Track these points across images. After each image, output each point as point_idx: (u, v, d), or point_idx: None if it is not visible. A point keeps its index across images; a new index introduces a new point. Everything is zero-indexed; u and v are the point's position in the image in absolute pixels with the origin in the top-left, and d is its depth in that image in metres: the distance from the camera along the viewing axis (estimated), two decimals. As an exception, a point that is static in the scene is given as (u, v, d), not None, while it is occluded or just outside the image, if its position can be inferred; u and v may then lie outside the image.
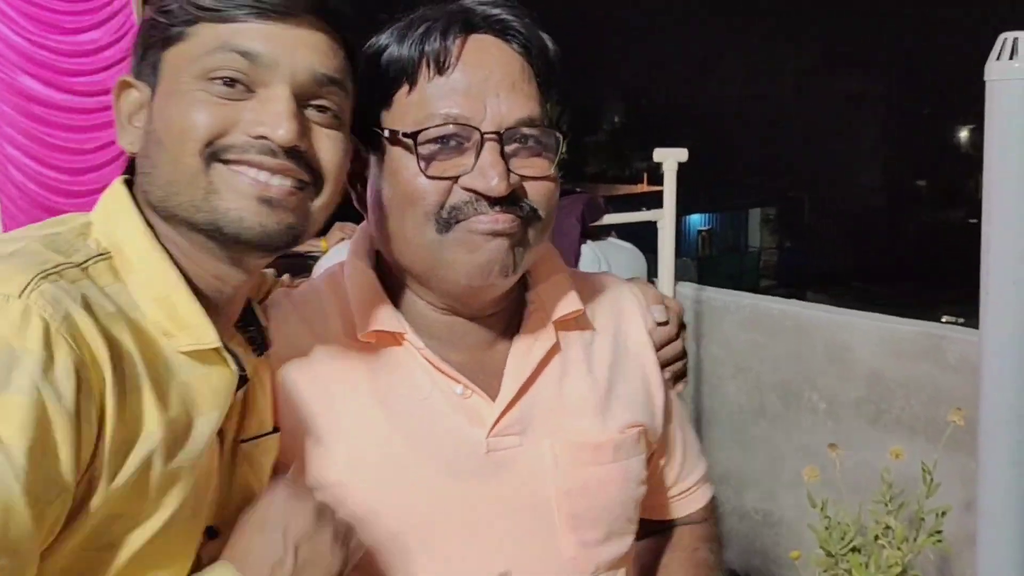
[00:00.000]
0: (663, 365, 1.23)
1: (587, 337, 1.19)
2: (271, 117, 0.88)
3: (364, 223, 1.16)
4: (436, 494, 1.06)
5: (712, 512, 1.38)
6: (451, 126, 1.00)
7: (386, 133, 1.03)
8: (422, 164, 1.00)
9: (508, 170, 1.00)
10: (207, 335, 0.90)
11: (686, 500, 1.34)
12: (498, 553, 1.07)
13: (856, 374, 3.18)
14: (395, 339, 1.10)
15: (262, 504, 0.92)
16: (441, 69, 1.01)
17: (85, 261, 0.87)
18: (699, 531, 1.35)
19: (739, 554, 3.66)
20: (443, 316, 1.11)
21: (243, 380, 0.96)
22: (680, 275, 3.78)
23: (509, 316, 1.15)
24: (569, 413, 1.13)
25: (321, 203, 0.95)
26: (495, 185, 0.98)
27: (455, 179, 1.01)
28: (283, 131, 0.88)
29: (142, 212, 0.94)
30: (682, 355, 1.27)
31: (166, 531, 0.87)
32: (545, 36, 1.06)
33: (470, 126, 1.00)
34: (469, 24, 1.02)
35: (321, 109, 0.93)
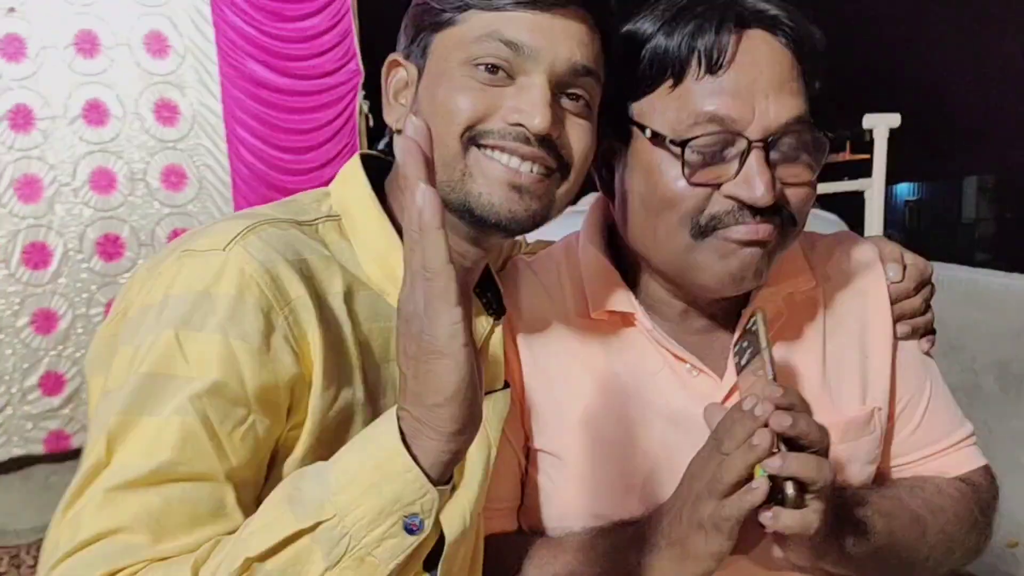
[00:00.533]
0: (897, 319, 1.16)
1: (819, 312, 1.15)
2: (529, 105, 0.92)
3: (596, 200, 1.18)
4: (664, 465, 1.06)
5: (986, 485, 1.22)
6: (718, 134, 0.96)
7: (648, 133, 1.01)
8: (687, 171, 0.97)
9: (773, 178, 0.96)
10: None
11: (940, 462, 1.20)
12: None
13: (1087, 355, 2.94)
14: (626, 319, 1.12)
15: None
16: (712, 68, 0.97)
17: (314, 220, 0.97)
18: (958, 484, 1.18)
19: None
20: (677, 302, 1.12)
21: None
22: (887, 248, 3.61)
23: (740, 295, 1.11)
24: (799, 391, 1.07)
25: (565, 190, 0.99)
26: (761, 196, 0.95)
27: (717, 186, 0.98)
28: (539, 120, 0.91)
29: (377, 184, 1.02)
30: (921, 311, 1.19)
31: None
32: (813, 28, 1.01)
33: (736, 131, 0.96)
34: (741, 20, 0.98)
35: (574, 97, 0.96)
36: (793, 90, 0.98)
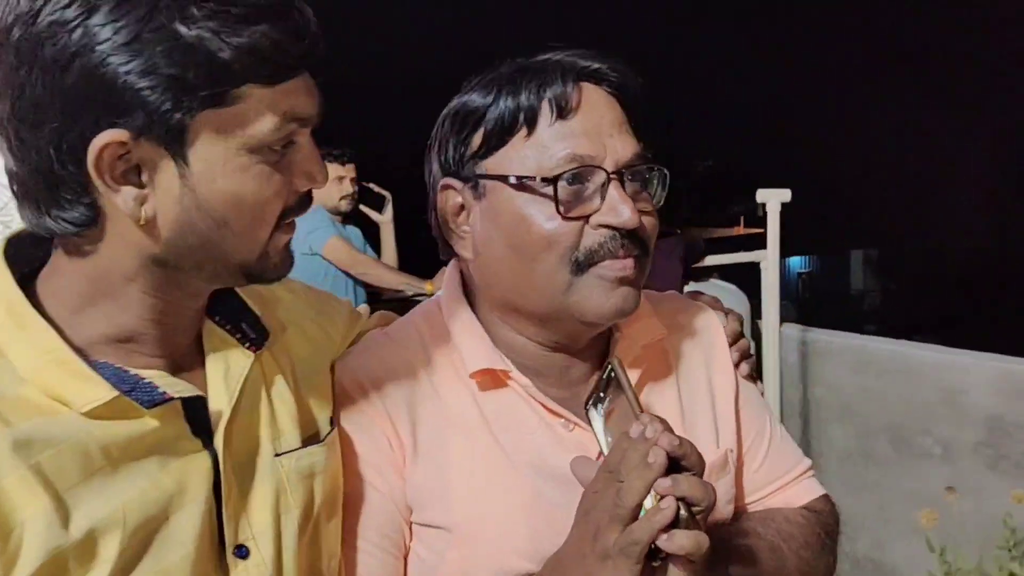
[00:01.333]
0: (738, 362, 1.25)
1: (670, 361, 1.21)
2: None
3: (452, 264, 1.20)
4: (561, 524, 1.04)
5: (828, 511, 1.28)
6: (581, 167, 1.03)
7: (512, 179, 1.05)
8: (561, 208, 1.03)
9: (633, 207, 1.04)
10: (96, 391, 0.82)
11: (787, 493, 1.26)
12: None
13: (973, 417, 3.07)
14: (498, 379, 1.12)
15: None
16: (563, 113, 1.04)
17: None
18: (803, 512, 1.24)
19: (851, 604, 3.55)
20: (545, 352, 1.14)
21: (194, 401, 0.90)
22: (781, 318, 3.74)
23: (599, 346, 1.17)
24: None
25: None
26: (629, 218, 1.02)
27: (587, 219, 1.04)
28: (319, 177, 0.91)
29: (33, 270, 0.90)
30: (750, 353, 1.29)
31: None
32: (635, 80, 1.11)
33: (596, 166, 1.04)
34: (577, 74, 1.07)
35: None
36: (629, 131, 1.07)
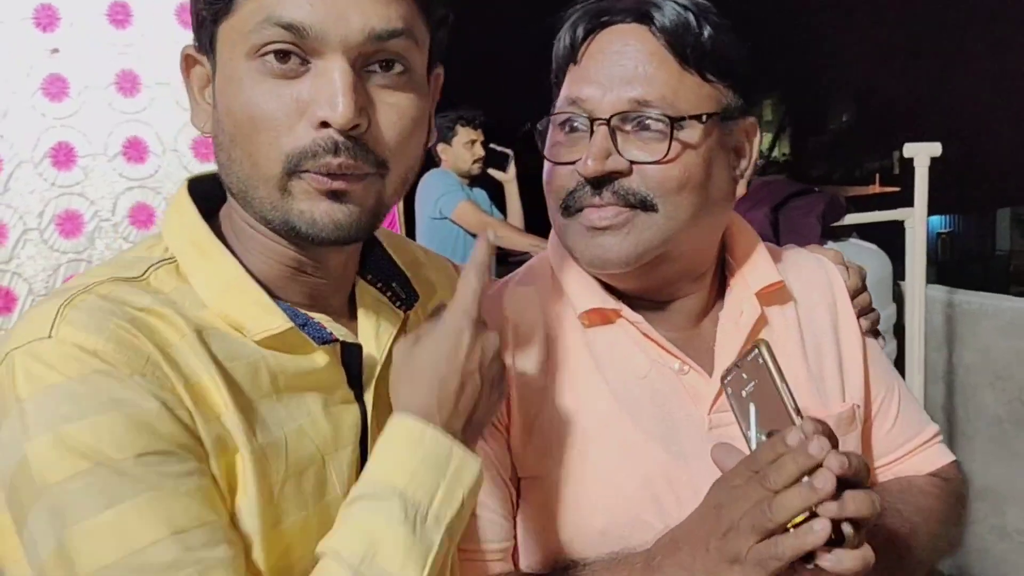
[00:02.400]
0: (859, 314, 1.21)
1: (790, 309, 1.17)
2: (327, 96, 0.82)
3: None
4: (667, 476, 1.05)
5: (956, 478, 1.26)
6: (569, 112, 1.05)
7: (539, 126, 1.11)
8: (547, 152, 1.08)
9: (612, 152, 1.02)
10: (273, 320, 0.89)
11: (913, 461, 1.25)
12: None
13: None
14: (609, 317, 1.12)
15: (400, 359, 0.93)
16: (575, 58, 1.07)
17: (143, 272, 0.88)
18: (931, 480, 1.23)
19: (996, 575, 3.40)
20: (641, 300, 1.12)
21: (352, 348, 0.96)
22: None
23: (710, 293, 1.15)
24: None
25: (392, 180, 0.91)
26: (587, 167, 1.01)
27: (574, 163, 1.04)
28: (341, 110, 0.81)
29: (213, 208, 0.96)
30: (872, 307, 1.25)
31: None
32: (691, 15, 1.05)
33: (584, 112, 1.04)
34: (605, 13, 1.06)
35: (386, 66, 0.86)
36: (649, 76, 1.03)
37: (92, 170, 4.02)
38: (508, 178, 4.22)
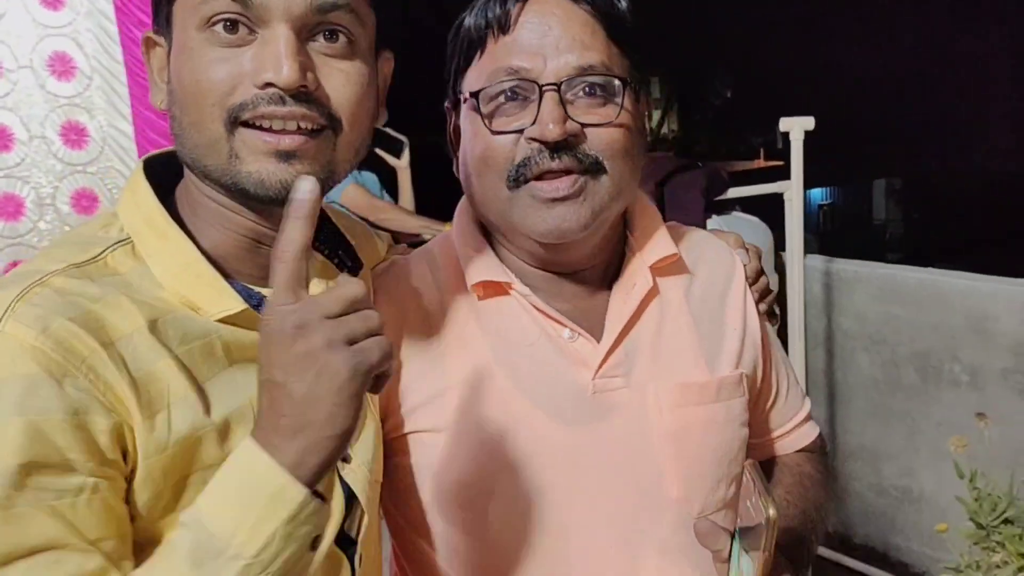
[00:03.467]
0: (759, 300, 1.26)
1: (684, 281, 1.21)
2: (272, 61, 0.84)
3: None
4: (545, 439, 1.09)
5: (819, 448, 1.38)
6: (510, 80, 1.04)
7: (462, 97, 1.09)
8: (486, 121, 1.05)
9: (566, 117, 1.02)
10: (228, 302, 0.89)
11: (790, 439, 1.35)
12: (604, 496, 1.09)
13: (1001, 343, 3.05)
14: (502, 289, 1.14)
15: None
16: (504, 29, 1.05)
17: (99, 254, 0.87)
18: (803, 456, 1.35)
19: (877, 531, 3.57)
20: (539, 272, 1.15)
21: None
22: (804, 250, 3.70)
23: (607, 267, 1.17)
24: (671, 355, 1.15)
25: (345, 143, 0.91)
26: (550, 131, 1.01)
27: (520, 132, 1.04)
28: (286, 72, 0.84)
29: (169, 187, 0.95)
30: (769, 290, 1.30)
31: None
32: None
33: (529, 79, 1.03)
34: None
35: (331, 36, 0.89)
36: (586, 44, 1.04)
37: (-49, 159, 3.82)
38: (402, 165, 4.13)
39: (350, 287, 0.79)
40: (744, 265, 1.26)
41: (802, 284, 3.45)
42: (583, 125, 1.04)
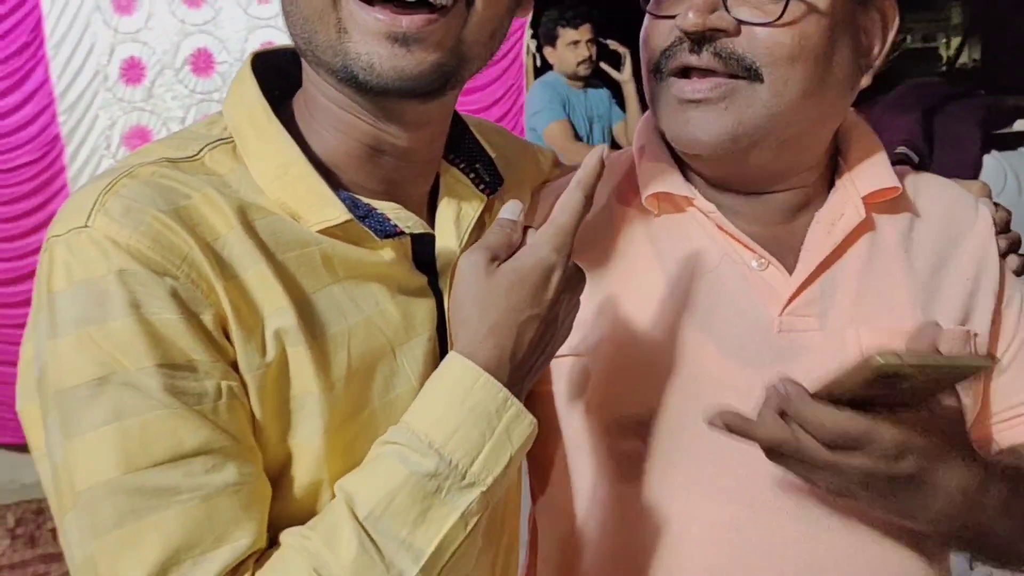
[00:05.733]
0: (1006, 253, 1.04)
1: (906, 221, 1.02)
2: None
3: None
4: (718, 378, 0.95)
5: None
6: None
7: None
8: (648, 3, 0.94)
9: (719, 7, 0.88)
10: (331, 211, 0.81)
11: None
12: None
13: None
14: (679, 205, 1.01)
15: (471, 283, 0.81)
16: None
17: (198, 152, 0.81)
18: None
19: None
20: (721, 194, 1.00)
21: (425, 237, 0.89)
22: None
23: (811, 192, 1.01)
24: (880, 299, 0.96)
25: (476, 22, 0.79)
26: (689, 20, 0.87)
27: (674, 18, 0.91)
28: None
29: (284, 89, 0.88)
30: (1021, 242, 1.08)
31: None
32: None
33: None
34: None
35: None
36: None
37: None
38: (625, 78, 3.92)
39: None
40: (992, 215, 1.05)
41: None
42: (740, 22, 0.88)
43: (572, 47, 3.79)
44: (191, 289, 0.73)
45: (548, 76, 3.94)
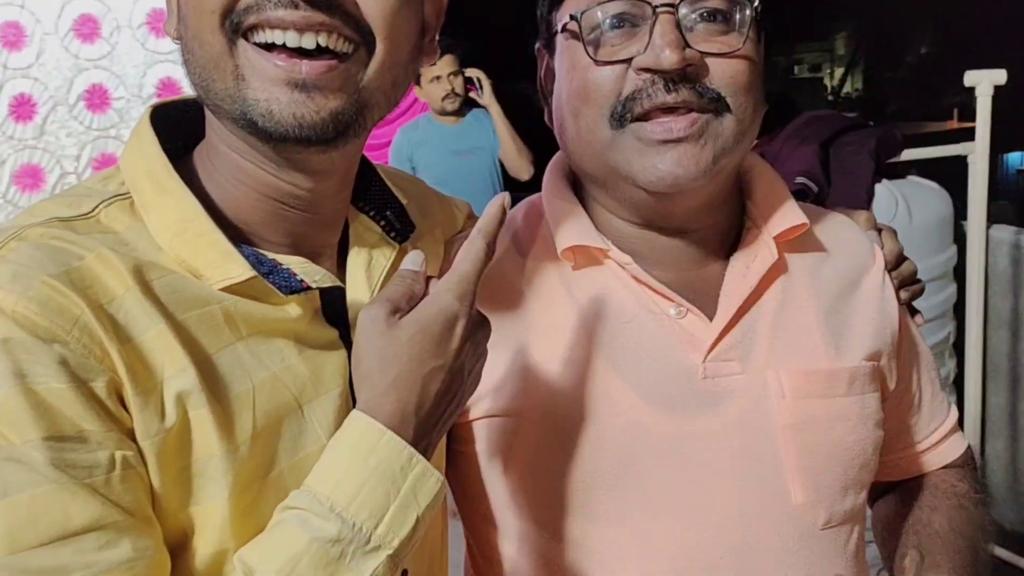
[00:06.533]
0: (899, 286, 1.09)
1: (814, 260, 1.05)
2: None
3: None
4: (644, 428, 0.95)
5: (970, 463, 1.20)
6: (619, 2, 0.90)
7: (558, 27, 0.96)
8: (590, 49, 0.92)
9: (685, 43, 0.89)
10: (233, 268, 0.78)
11: (937, 452, 1.18)
12: (713, 495, 0.95)
13: None
14: (595, 257, 1.01)
15: (372, 337, 0.79)
16: None
17: (93, 209, 0.78)
18: (955, 472, 1.18)
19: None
20: (641, 231, 1.01)
21: (334, 291, 0.86)
22: (995, 219, 3.33)
23: (722, 233, 1.03)
24: (796, 339, 1.00)
25: (377, 69, 0.78)
26: (666, 57, 0.87)
27: (628, 63, 0.91)
28: None
29: (191, 143, 0.86)
30: (916, 279, 1.13)
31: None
32: None
33: (642, 0, 0.89)
34: None
35: None
36: None
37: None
38: (485, 102, 3.92)
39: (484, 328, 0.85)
40: (881, 248, 1.09)
41: (983, 257, 3.12)
42: (703, 54, 0.90)
43: (436, 82, 3.78)
44: (82, 355, 0.69)
45: (410, 123, 3.94)
